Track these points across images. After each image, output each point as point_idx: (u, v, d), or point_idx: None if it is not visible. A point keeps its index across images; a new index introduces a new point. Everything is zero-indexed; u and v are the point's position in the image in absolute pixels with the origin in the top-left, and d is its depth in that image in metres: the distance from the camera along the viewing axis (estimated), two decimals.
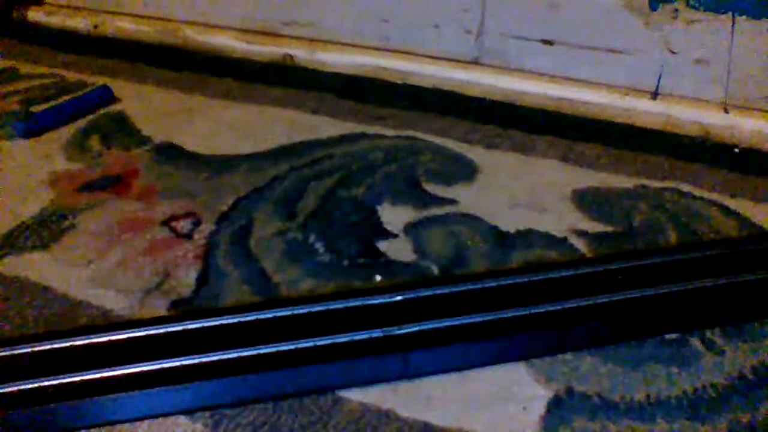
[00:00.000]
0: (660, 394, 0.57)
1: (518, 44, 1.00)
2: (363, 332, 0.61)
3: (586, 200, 0.80)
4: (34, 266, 0.73)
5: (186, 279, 0.70)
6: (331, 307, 0.65)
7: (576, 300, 0.64)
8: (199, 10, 1.20)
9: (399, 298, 0.65)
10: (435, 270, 0.71)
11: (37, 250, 0.75)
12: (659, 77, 0.93)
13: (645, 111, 0.94)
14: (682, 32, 0.89)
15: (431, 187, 0.83)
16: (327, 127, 0.96)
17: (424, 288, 0.66)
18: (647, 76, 0.94)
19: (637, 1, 0.90)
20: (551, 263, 0.71)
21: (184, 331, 0.63)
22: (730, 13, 0.86)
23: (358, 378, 0.59)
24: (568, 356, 0.60)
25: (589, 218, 0.77)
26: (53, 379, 0.58)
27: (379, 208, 0.80)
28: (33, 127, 0.97)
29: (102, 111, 1.03)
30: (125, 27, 1.27)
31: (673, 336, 0.62)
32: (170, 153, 0.92)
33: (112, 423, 0.56)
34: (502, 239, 0.74)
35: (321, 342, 0.61)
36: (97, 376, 0.58)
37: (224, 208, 0.80)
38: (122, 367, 0.59)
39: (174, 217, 0.79)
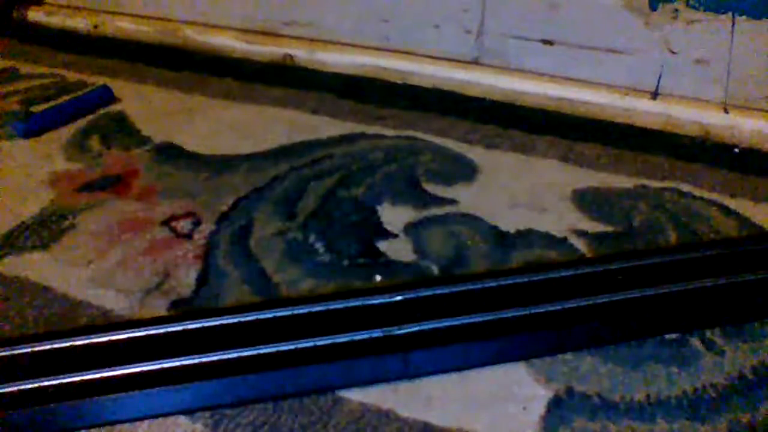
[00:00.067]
0: (660, 394, 0.57)
1: (518, 44, 1.00)
2: (363, 332, 0.61)
3: (586, 200, 0.80)
4: (34, 266, 0.73)
5: (186, 279, 0.70)
6: (331, 307, 0.65)
7: (576, 300, 0.64)
8: (199, 10, 1.20)
9: (399, 298, 0.65)
10: (435, 270, 0.71)
11: (37, 250, 0.75)
12: (659, 77, 0.93)
13: (645, 111, 0.94)
14: (682, 32, 0.89)
15: (431, 187, 0.83)
16: (327, 127, 0.96)
17: (424, 288, 0.66)
18: (647, 76, 0.94)
19: (637, 1, 0.90)
20: (551, 263, 0.71)
21: (184, 331, 0.63)
22: (730, 13, 0.86)
23: (358, 378, 0.59)
24: (568, 356, 0.60)
25: (589, 218, 0.77)
26: (53, 379, 0.58)
27: (379, 208, 0.80)
28: (33, 127, 0.97)
29: (102, 111, 1.03)
30: (125, 27, 1.26)
31: (673, 336, 0.62)
32: (170, 153, 0.92)
33: (112, 423, 0.56)
34: (502, 239, 0.74)
35: (321, 342, 0.61)
36: (97, 376, 0.59)
37: (224, 208, 0.80)
38: (122, 367, 0.59)
39: (174, 217, 0.79)
